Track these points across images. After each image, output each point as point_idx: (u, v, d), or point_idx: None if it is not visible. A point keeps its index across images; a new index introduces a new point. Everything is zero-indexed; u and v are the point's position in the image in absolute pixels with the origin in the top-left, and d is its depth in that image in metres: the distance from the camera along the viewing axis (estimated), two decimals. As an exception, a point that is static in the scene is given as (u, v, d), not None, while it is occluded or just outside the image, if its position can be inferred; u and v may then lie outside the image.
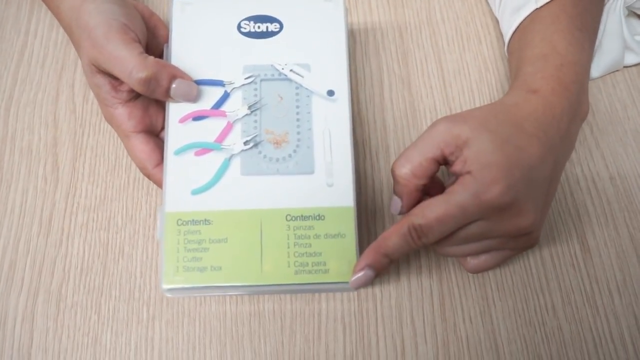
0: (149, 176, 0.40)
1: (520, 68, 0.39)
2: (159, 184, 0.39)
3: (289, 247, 0.36)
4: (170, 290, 0.35)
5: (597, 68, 0.46)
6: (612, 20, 0.45)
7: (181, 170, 0.37)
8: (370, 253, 0.34)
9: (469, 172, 0.32)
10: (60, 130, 0.45)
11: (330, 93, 0.39)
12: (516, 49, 0.42)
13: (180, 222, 0.36)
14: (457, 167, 0.33)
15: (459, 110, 0.46)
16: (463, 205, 0.32)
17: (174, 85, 0.38)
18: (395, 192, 0.35)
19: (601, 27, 0.44)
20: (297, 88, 0.39)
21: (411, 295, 0.40)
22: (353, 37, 0.49)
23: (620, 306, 0.39)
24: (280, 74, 0.40)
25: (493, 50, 0.49)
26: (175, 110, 0.39)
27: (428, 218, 0.32)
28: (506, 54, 0.45)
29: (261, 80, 0.40)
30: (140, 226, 0.42)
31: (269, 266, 0.35)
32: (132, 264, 0.41)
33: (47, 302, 0.39)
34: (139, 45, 0.38)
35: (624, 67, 0.47)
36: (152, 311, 0.39)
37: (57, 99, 0.46)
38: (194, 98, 0.39)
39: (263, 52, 0.40)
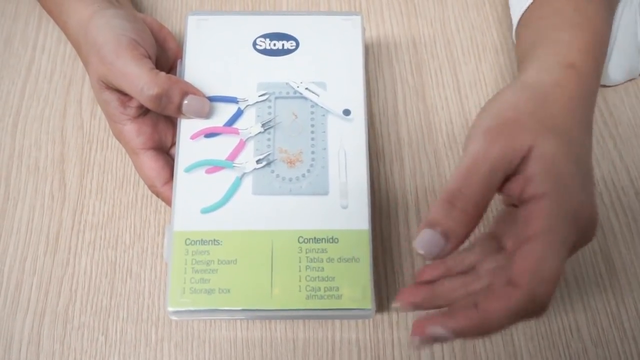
0: (157, 194, 0.39)
1: (549, 35, 0.35)
2: (168, 202, 0.38)
3: (300, 271, 0.34)
4: (175, 312, 0.34)
5: (618, 71, 0.44)
6: (628, 15, 0.42)
7: (191, 188, 0.36)
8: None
9: (543, 196, 0.27)
10: (67, 146, 0.44)
11: (347, 112, 0.38)
12: (538, 17, 0.38)
13: (188, 242, 0.35)
14: (517, 184, 0.28)
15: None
16: (568, 242, 0.27)
17: (185, 102, 0.37)
18: (444, 226, 0.27)
19: (616, 23, 0.41)
20: (312, 107, 0.39)
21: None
22: (366, 48, 0.48)
23: (649, 328, 0.38)
24: (295, 92, 0.39)
25: (510, 60, 0.47)
26: (187, 127, 0.38)
27: (549, 280, 0.26)
28: (514, 33, 0.41)
29: (275, 98, 0.39)
30: (148, 244, 0.41)
31: (279, 290, 0.34)
32: (140, 283, 0.39)
33: (54, 324, 0.38)
34: (149, 60, 0.37)
35: None
36: (160, 333, 0.38)
37: (65, 114, 0.45)
38: (206, 114, 0.38)
39: (278, 69, 0.40)
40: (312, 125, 0.38)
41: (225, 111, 0.38)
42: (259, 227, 0.35)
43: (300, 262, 0.34)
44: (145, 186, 0.42)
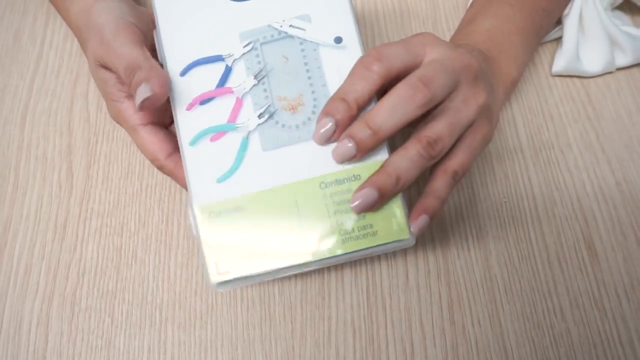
0: (161, 167, 0.39)
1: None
2: (173, 175, 0.38)
3: (330, 217, 0.33)
4: (220, 284, 0.34)
5: (593, 63, 0.47)
6: (588, 11, 0.46)
7: (201, 160, 0.35)
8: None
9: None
10: (74, 138, 0.46)
11: (338, 40, 0.36)
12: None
13: (212, 215, 0.34)
14: None
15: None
16: (445, 59, 0.33)
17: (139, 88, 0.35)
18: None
19: (574, 18, 0.46)
20: (301, 44, 0.36)
21: (420, 299, 0.40)
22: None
23: (628, 309, 0.40)
24: (280, 32, 0.36)
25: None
26: (180, 100, 0.36)
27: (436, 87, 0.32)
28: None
29: (261, 45, 0.36)
30: (152, 231, 0.42)
31: (314, 241, 0.33)
32: (144, 268, 0.41)
33: (62, 306, 0.40)
34: (143, 45, 0.37)
35: (618, 69, 0.48)
36: (164, 314, 0.40)
37: (72, 108, 0.47)
38: (156, 99, 0.35)
39: (257, 13, 0.37)
40: (306, 64, 0.36)
41: (213, 72, 0.36)
42: (278, 183, 0.34)
43: (327, 208, 0.33)
44: (150, 176, 0.44)
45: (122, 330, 0.39)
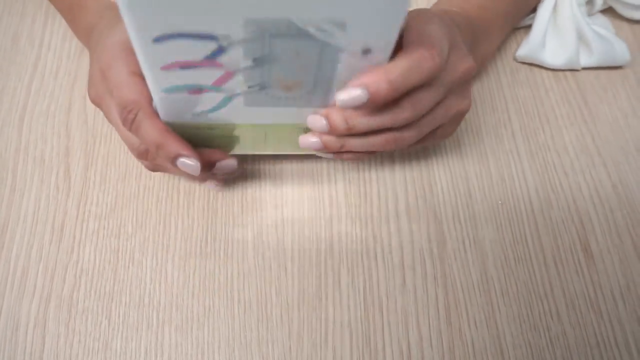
0: (133, 111, 0.32)
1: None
2: (142, 120, 0.33)
3: (290, 139, 0.38)
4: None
5: (555, 56, 0.48)
6: (562, 5, 0.47)
7: (175, 103, 0.31)
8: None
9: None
10: (72, 140, 0.46)
11: (366, 52, 0.29)
12: None
13: (178, 128, 0.34)
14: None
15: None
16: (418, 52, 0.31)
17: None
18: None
19: (547, 10, 0.47)
20: (322, 46, 0.28)
21: (417, 301, 0.40)
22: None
23: (624, 311, 0.40)
24: (300, 30, 0.27)
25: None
26: (152, 59, 0.28)
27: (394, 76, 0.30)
28: None
29: (271, 36, 0.27)
30: (150, 233, 0.42)
31: (270, 144, 0.38)
32: (142, 270, 0.41)
33: (59, 308, 0.40)
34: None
35: (583, 68, 0.49)
36: (161, 317, 0.40)
37: (70, 109, 0.47)
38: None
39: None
40: (319, 64, 0.30)
41: (200, 49, 0.28)
42: (253, 122, 0.36)
43: (290, 136, 0.37)
44: (148, 178, 0.44)
45: (119, 332, 0.39)
